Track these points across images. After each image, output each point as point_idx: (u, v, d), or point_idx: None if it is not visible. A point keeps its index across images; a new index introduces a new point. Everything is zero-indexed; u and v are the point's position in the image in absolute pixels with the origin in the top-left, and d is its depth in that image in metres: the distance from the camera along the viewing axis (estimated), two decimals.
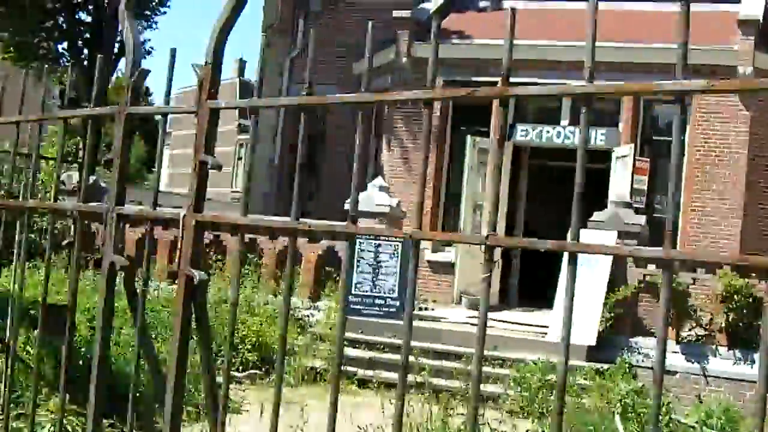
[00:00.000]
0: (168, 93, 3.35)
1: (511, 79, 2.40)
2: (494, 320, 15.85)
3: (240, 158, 55.56)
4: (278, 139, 24.64)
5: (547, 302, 17.41)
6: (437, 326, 15.55)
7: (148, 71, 3.44)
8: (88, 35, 25.39)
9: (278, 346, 2.89)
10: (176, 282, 3.14)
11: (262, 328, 14.24)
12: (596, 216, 15.62)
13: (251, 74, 59.83)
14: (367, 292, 15.61)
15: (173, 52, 3.35)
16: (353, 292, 15.55)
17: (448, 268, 18.82)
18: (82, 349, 9.82)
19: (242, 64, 63.75)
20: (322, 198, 22.20)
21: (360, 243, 15.76)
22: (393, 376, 14.02)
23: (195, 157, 3.08)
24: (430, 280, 19.05)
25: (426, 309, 16.85)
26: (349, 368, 14.06)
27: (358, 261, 15.68)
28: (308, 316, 15.82)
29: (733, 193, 18.04)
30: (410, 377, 13.78)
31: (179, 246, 3.07)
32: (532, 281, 19.91)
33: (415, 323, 15.54)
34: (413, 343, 13.92)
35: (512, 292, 20.44)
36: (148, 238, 3.39)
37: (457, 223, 19.32)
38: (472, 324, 15.73)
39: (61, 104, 17.03)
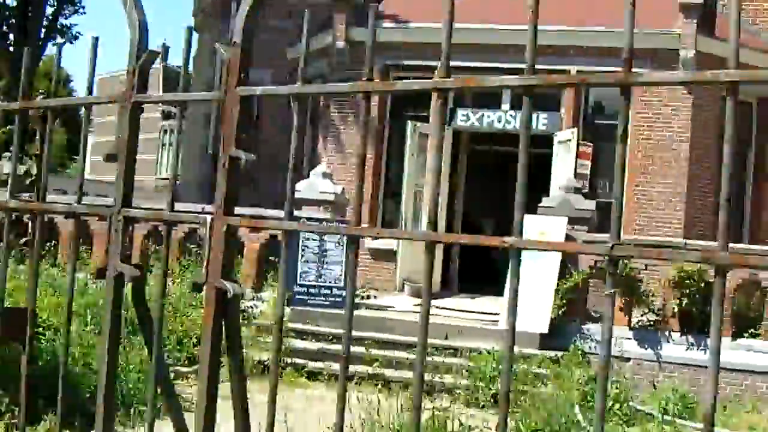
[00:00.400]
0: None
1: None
2: (439, 308, 15.58)
3: (164, 145, 54.45)
4: (212, 126, 24.03)
5: (491, 288, 17.22)
6: (384, 315, 15.23)
7: (157, 53, 3.03)
8: (13, 20, 24.47)
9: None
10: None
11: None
12: (546, 201, 15.43)
13: (177, 61, 58.62)
14: (312, 281, 15.21)
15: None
16: (299, 282, 15.14)
17: (389, 255, 18.46)
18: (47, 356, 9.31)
19: (165, 50, 62.45)
20: (259, 187, 21.68)
21: (305, 233, 15.34)
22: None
23: (224, 151, 2.67)
24: (372, 267, 18.67)
25: (369, 297, 16.50)
26: (298, 360, 13.67)
27: (303, 250, 15.26)
28: (251, 307, 15.34)
29: (677, 178, 18.01)
30: (362, 368, 13.44)
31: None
32: (472, 267, 19.71)
33: (361, 312, 15.25)
34: (361, 334, 13.69)
35: (453, 278, 20.19)
36: (164, 236, 2.94)
37: (398, 210, 18.98)
38: (418, 312, 15.42)
39: None
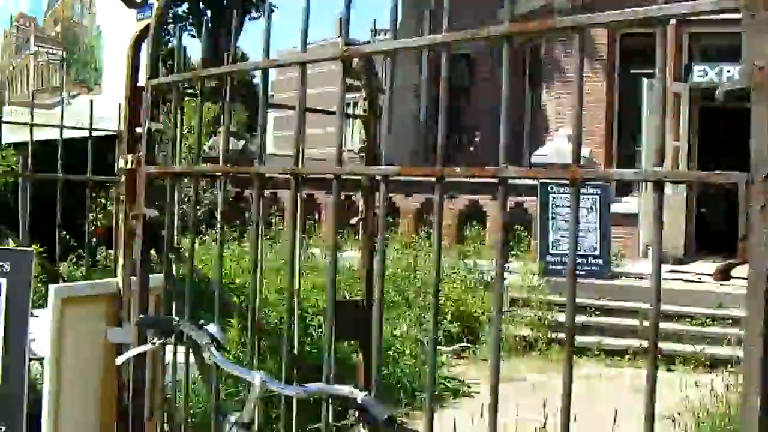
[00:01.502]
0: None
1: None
2: (686, 273, 14.64)
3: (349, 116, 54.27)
4: (422, 95, 23.47)
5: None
6: (641, 284, 14.34)
7: None
8: None
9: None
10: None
11: (462, 296, 13.16)
12: None
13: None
14: (565, 251, 14.46)
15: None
16: (550, 251, 14.43)
17: (630, 219, 17.49)
18: None
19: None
20: (476, 158, 21.03)
21: (553, 198, 14.62)
22: (611, 341, 12.92)
23: None
24: (614, 233, 17.74)
25: (618, 265, 15.65)
26: (561, 335, 12.96)
27: (553, 218, 14.54)
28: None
29: None
30: (633, 342, 12.67)
31: None
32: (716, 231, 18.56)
33: (618, 282, 14.45)
34: (623, 304, 12.88)
35: (691, 242, 19.05)
36: None
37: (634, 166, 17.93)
38: (676, 279, 14.53)
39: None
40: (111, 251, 8.44)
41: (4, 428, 4.67)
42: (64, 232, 7.43)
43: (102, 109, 6.82)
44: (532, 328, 12.85)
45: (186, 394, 4.07)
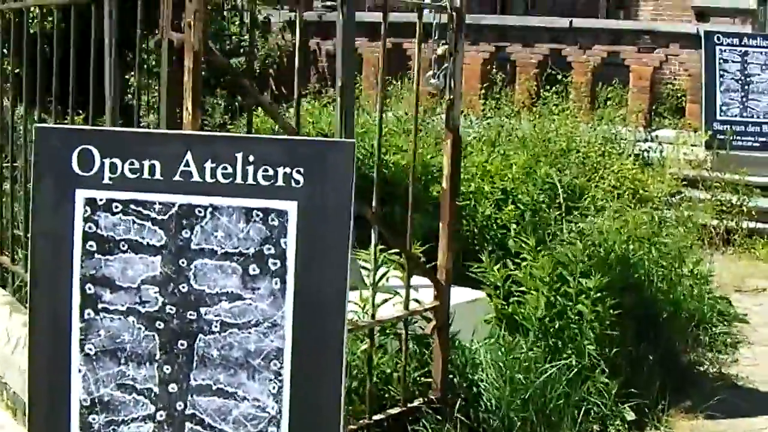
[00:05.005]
0: None
1: None
2: None
3: None
4: None
5: None
6: None
7: None
8: None
9: None
10: None
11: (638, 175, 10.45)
12: None
13: None
14: (735, 117, 11.74)
15: None
16: (718, 117, 11.72)
17: None
18: None
19: None
20: None
21: (721, 52, 11.82)
22: None
23: None
24: None
25: None
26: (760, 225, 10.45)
27: (721, 76, 11.77)
28: (646, 150, 11.94)
29: None
30: None
31: None
32: None
33: None
34: None
35: None
36: None
37: None
38: None
39: None
40: None
41: None
42: None
43: None
44: (721, 216, 10.22)
45: None
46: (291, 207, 3.02)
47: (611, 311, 5.38)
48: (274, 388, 3.08)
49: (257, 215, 3.03)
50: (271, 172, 3.01)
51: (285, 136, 3.41)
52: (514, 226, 6.93)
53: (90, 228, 3.02)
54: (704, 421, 5.54)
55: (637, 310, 5.94)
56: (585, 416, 5.06)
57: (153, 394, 3.07)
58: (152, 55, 8.70)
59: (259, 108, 6.89)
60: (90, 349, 3.06)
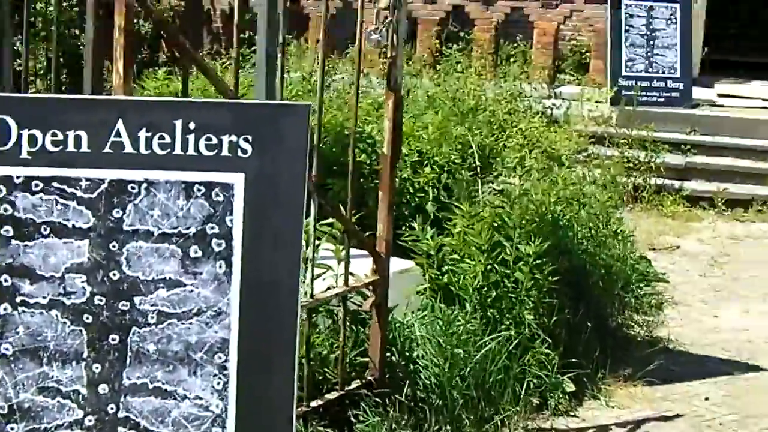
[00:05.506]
0: None
1: None
2: None
3: None
4: None
5: None
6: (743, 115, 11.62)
7: None
8: None
9: None
10: None
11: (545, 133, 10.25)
12: None
13: None
14: (641, 72, 11.67)
15: None
16: (623, 73, 11.63)
17: None
18: None
19: None
20: None
21: (626, 6, 11.71)
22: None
23: None
24: None
25: None
26: (667, 181, 10.38)
27: (627, 31, 11.68)
28: (550, 107, 11.74)
29: None
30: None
31: None
32: None
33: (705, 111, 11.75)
34: (728, 141, 10.14)
35: None
36: None
37: None
38: None
39: None
40: None
41: None
42: None
43: None
44: (629, 173, 10.12)
45: None
46: (237, 180, 2.68)
47: (549, 278, 5.15)
48: (218, 383, 2.76)
49: (199, 190, 2.67)
50: (214, 140, 2.65)
51: (231, 100, 3.02)
52: (431, 189, 6.65)
53: (5, 210, 2.61)
54: (642, 388, 5.40)
55: (571, 275, 5.73)
56: (525, 389, 4.84)
57: (80, 397, 2.70)
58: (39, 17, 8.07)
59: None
60: (7, 350, 2.66)
